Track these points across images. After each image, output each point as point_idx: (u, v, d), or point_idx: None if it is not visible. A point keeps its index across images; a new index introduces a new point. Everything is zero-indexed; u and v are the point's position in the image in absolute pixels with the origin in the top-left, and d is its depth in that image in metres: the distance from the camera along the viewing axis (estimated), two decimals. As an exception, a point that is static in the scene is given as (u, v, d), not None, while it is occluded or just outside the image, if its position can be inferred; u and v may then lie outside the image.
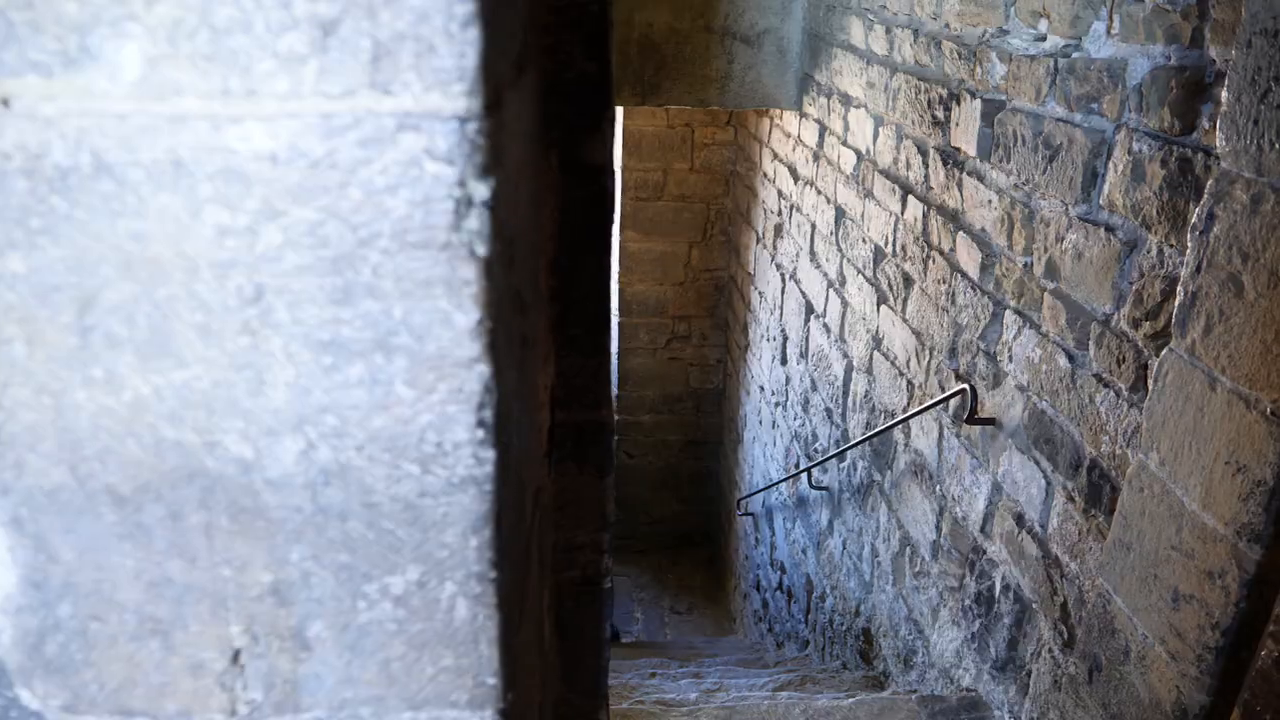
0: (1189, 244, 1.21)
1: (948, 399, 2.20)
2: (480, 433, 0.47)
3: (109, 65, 0.40)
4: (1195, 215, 1.20)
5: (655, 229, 4.86)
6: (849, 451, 2.99)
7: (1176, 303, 1.23)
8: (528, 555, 0.68)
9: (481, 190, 0.43)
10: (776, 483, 3.86)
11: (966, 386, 2.09)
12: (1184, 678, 1.17)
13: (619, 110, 4.67)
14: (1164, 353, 1.26)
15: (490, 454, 0.47)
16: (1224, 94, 1.14)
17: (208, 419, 0.46)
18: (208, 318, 0.44)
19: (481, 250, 0.44)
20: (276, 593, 0.50)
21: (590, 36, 0.80)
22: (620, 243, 4.90)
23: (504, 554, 0.51)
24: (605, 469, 0.95)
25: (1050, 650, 1.79)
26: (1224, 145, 1.14)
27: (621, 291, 5.00)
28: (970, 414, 2.04)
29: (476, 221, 0.43)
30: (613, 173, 0.86)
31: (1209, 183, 1.17)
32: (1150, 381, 1.30)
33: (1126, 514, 1.33)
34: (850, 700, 2.10)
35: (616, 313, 5.02)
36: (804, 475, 3.39)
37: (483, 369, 0.46)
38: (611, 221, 0.87)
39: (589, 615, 1.01)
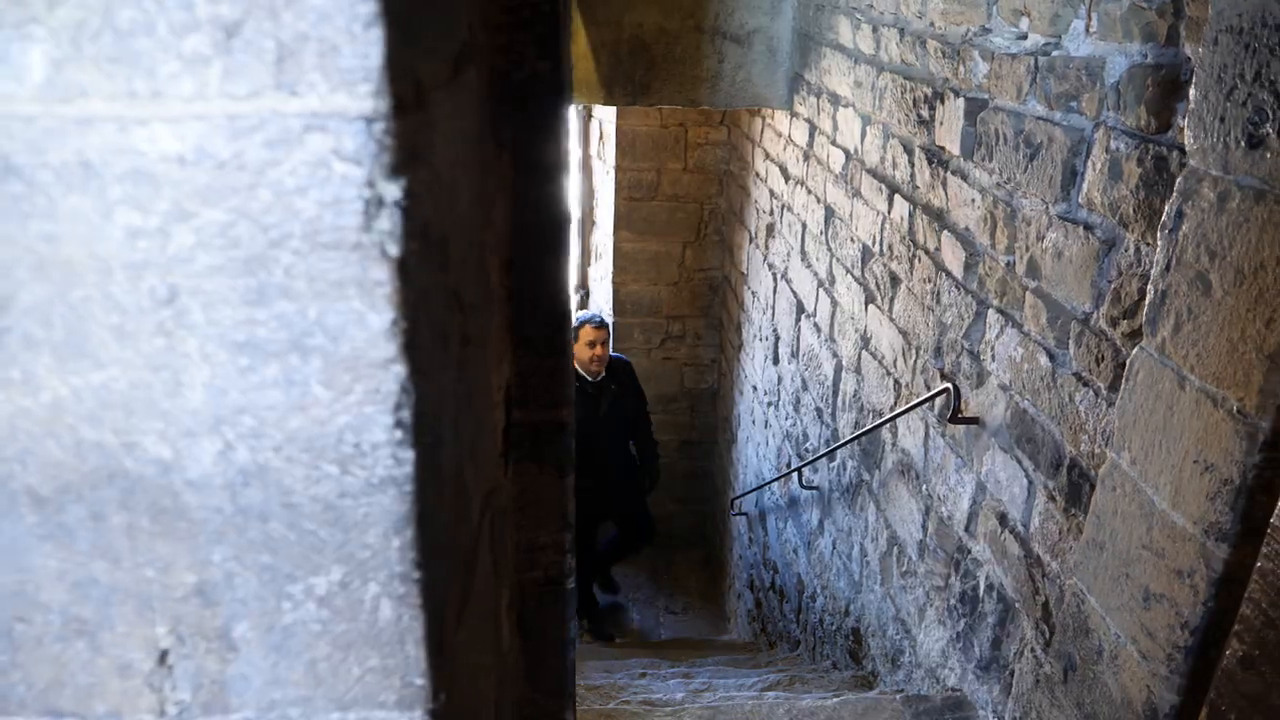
0: (1159, 242, 1.21)
1: (931, 398, 2.20)
2: (398, 433, 0.47)
3: (14, 68, 0.40)
4: (1165, 213, 1.20)
5: (649, 229, 4.86)
6: (839, 451, 2.99)
7: (1147, 301, 1.23)
8: (473, 555, 0.68)
9: (392, 190, 0.43)
10: (768, 482, 3.86)
11: (950, 386, 2.08)
12: (1154, 677, 1.17)
13: (612, 111, 4.67)
14: (1135, 351, 1.26)
15: (409, 454, 0.47)
16: (1191, 91, 1.14)
17: (126, 420, 0.46)
18: (123, 319, 0.44)
19: (394, 250, 0.44)
20: (201, 593, 0.50)
21: (543, 36, 0.80)
22: (614, 243, 4.90)
23: (429, 554, 0.51)
24: (564, 469, 0.95)
25: (1033, 650, 1.79)
26: (1192, 143, 1.14)
27: (615, 291, 5.00)
28: (953, 413, 2.04)
29: (388, 222, 0.43)
30: (568, 172, 0.86)
31: (1178, 180, 1.17)
32: (1123, 380, 1.29)
33: (1099, 513, 1.32)
34: (835, 700, 2.10)
35: (611, 312, 5.01)
36: (795, 475, 3.39)
37: (399, 369, 0.46)
38: (567, 222, 0.87)
39: (552, 615, 1.01)
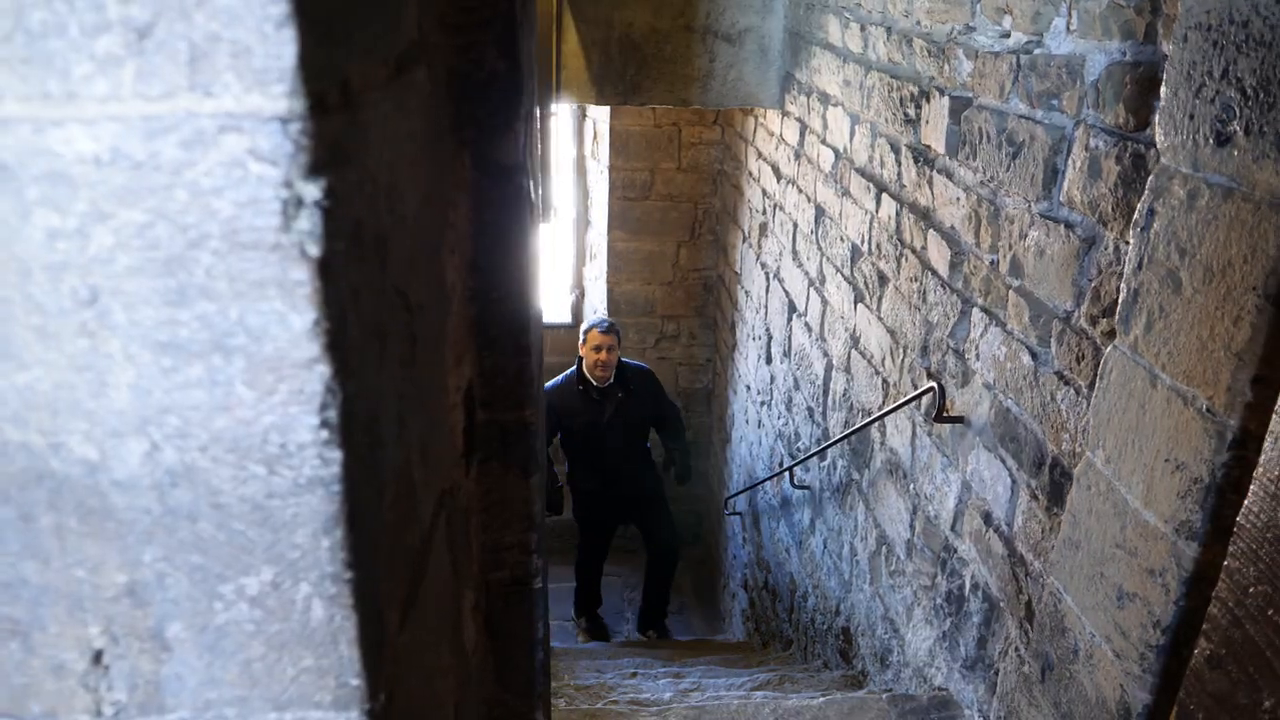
0: (1131, 240, 1.20)
1: (916, 398, 2.19)
2: (325, 434, 0.47)
3: (-73, 70, 0.40)
4: (1137, 211, 1.20)
5: (643, 229, 4.86)
6: (829, 451, 2.99)
7: (1120, 299, 1.23)
8: (423, 555, 0.68)
9: (312, 190, 0.43)
10: (760, 482, 3.86)
11: (935, 385, 2.08)
12: (1128, 676, 1.17)
13: (605, 110, 4.67)
14: (1109, 350, 1.26)
15: (337, 455, 0.47)
16: (1163, 89, 1.14)
17: (52, 421, 0.46)
18: (45, 320, 0.44)
19: (315, 251, 0.44)
20: (132, 593, 0.50)
21: (501, 36, 0.80)
22: (608, 242, 4.90)
23: (362, 555, 0.51)
24: (530, 469, 0.95)
25: (1016, 649, 1.78)
26: (1163, 141, 1.14)
27: (610, 291, 5.00)
28: (938, 413, 2.04)
29: (308, 222, 0.43)
30: (529, 172, 0.86)
31: (1149, 178, 1.17)
32: (1098, 379, 1.29)
33: (1075, 512, 1.32)
34: (820, 700, 2.10)
35: (605, 312, 5.01)
36: (787, 474, 3.38)
37: (323, 369, 0.46)
38: (527, 221, 0.87)
39: (519, 615, 1.01)
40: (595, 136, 4.98)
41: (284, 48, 0.41)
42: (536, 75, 0.99)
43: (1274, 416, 0.91)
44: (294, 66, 0.41)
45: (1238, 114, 0.99)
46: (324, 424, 0.47)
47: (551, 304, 5.48)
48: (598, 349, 3.82)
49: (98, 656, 0.52)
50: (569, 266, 5.41)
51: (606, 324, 3.90)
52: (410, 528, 0.65)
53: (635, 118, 4.66)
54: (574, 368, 3.97)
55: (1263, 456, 0.92)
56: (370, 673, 0.54)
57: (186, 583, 0.50)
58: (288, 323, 0.45)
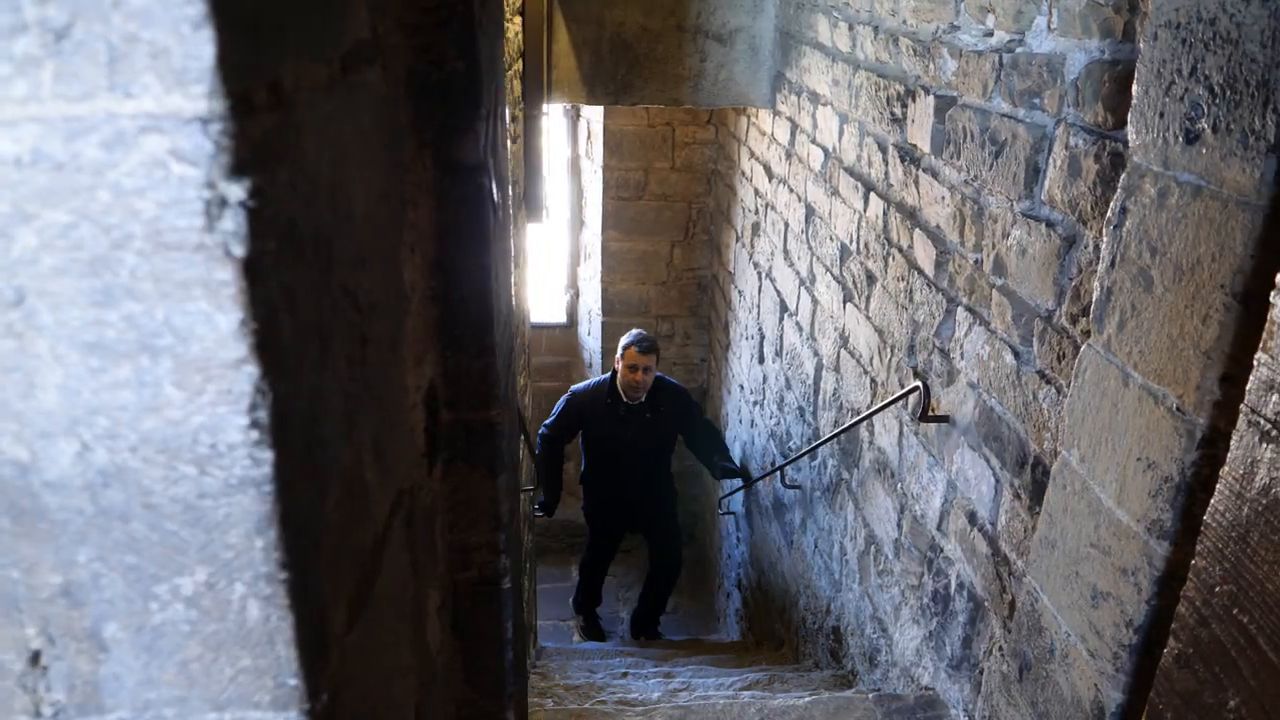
0: (1105, 238, 1.20)
1: (902, 397, 2.19)
2: (255, 434, 0.47)
3: None
4: (1110, 209, 1.19)
5: (637, 228, 4.86)
6: (820, 450, 2.99)
7: (1094, 298, 1.23)
8: (376, 555, 0.68)
9: (236, 191, 0.43)
10: (753, 481, 3.86)
11: (920, 384, 2.08)
12: (1102, 675, 1.16)
13: (599, 110, 4.67)
14: (1083, 348, 1.26)
15: (268, 455, 0.47)
16: (1134, 87, 1.14)
17: (-19, 422, 0.46)
18: (-29, 321, 0.44)
19: (239, 251, 0.44)
20: (68, 594, 0.50)
21: (460, 36, 0.80)
22: (602, 242, 4.90)
23: (298, 555, 0.51)
24: (496, 469, 0.95)
25: (1000, 648, 1.78)
26: (1134, 139, 1.13)
27: (604, 291, 5.00)
28: (923, 412, 2.04)
29: (232, 222, 0.43)
30: (491, 172, 0.86)
31: (1122, 177, 1.17)
32: (1073, 377, 1.29)
33: (1051, 511, 1.32)
34: (807, 699, 2.09)
35: (599, 312, 5.01)
36: (779, 474, 3.38)
37: (252, 370, 0.46)
38: (490, 221, 0.87)
39: (488, 615, 1.01)
40: (589, 136, 4.98)
41: (202, 48, 0.41)
42: (502, 75, 0.99)
43: (1241, 415, 0.91)
44: (212, 67, 0.41)
45: (1206, 112, 0.99)
46: (254, 424, 0.47)
47: (546, 304, 5.48)
48: (634, 369, 3.62)
49: (35, 657, 0.52)
50: (564, 267, 5.41)
51: (647, 343, 3.65)
52: (360, 527, 0.65)
53: (629, 117, 4.66)
54: (608, 375, 3.82)
55: (1229, 455, 0.91)
56: (310, 673, 0.54)
57: (121, 583, 0.50)
58: (214, 323, 0.45)
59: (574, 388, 3.91)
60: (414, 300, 0.81)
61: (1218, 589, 0.91)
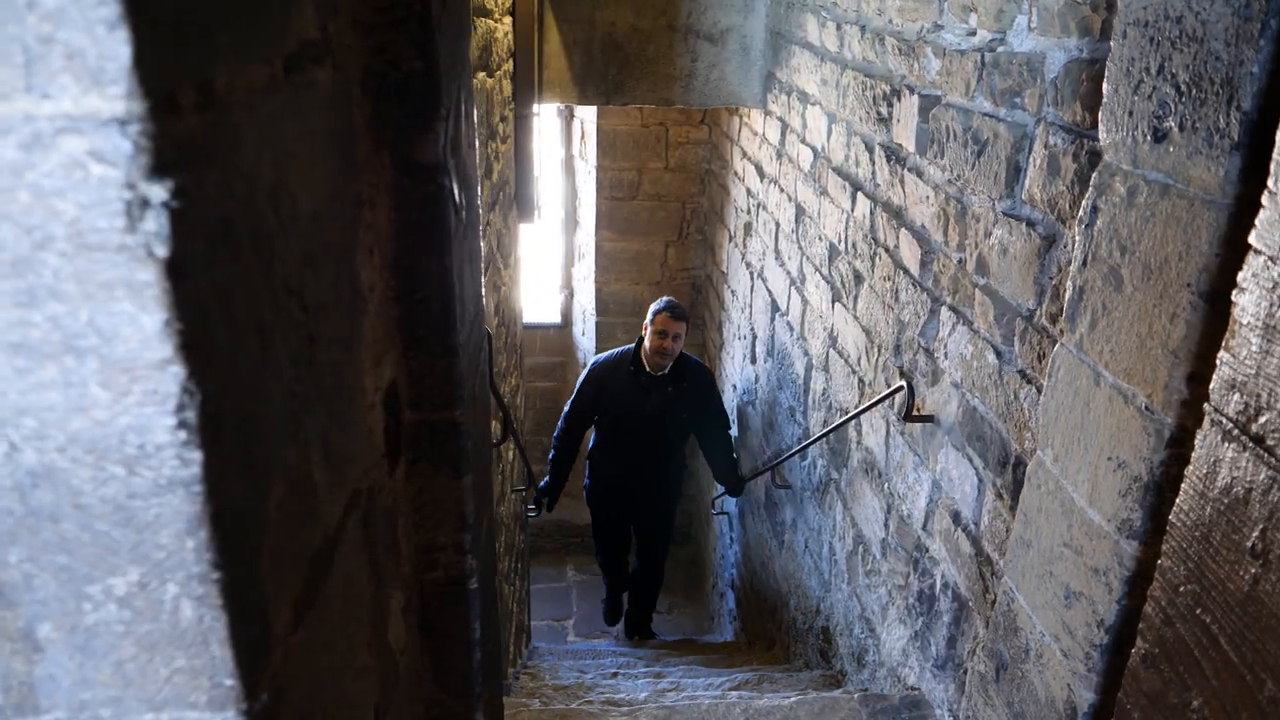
0: (1077, 237, 1.20)
1: (887, 397, 2.19)
2: (183, 434, 0.47)
3: None
4: (1081, 208, 1.19)
5: (631, 229, 4.86)
6: (810, 451, 2.98)
7: (1066, 297, 1.23)
8: (327, 555, 0.68)
9: (158, 192, 0.43)
10: (744, 481, 3.85)
11: (905, 384, 2.08)
12: (1074, 675, 1.16)
13: (593, 110, 4.66)
14: (1056, 348, 1.25)
15: (197, 455, 0.47)
16: (1105, 85, 1.13)
17: (-91, 422, 0.46)
18: (-104, 322, 0.44)
19: (162, 251, 0.44)
20: (1, 594, 0.50)
21: (416, 36, 0.80)
22: (596, 242, 4.90)
23: (232, 555, 0.51)
24: (461, 469, 0.95)
25: (983, 648, 1.78)
26: (1105, 137, 1.13)
27: (598, 291, 4.99)
28: (907, 411, 2.03)
29: (154, 223, 0.43)
30: (450, 173, 0.86)
31: (1093, 175, 1.17)
32: (1046, 377, 1.29)
33: (1027, 511, 1.32)
34: (792, 700, 2.09)
35: (594, 312, 5.01)
36: (770, 474, 3.38)
37: (178, 370, 0.46)
38: (450, 221, 0.87)
39: (455, 616, 1.01)
40: (583, 136, 4.98)
41: (118, 49, 0.41)
42: (467, 74, 0.99)
43: (1206, 414, 0.91)
44: (129, 68, 0.41)
45: (1173, 110, 0.99)
46: (182, 425, 0.47)
47: (541, 305, 5.48)
48: (663, 334, 3.41)
49: (-29, 657, 0.52)
50: (558, 267, 5.41)
51: (680, 310, 3.47)
52: (308, 527, 0.65)
53: (622, 117, 4.66)
54: (632, 345, 3.63)
55: (1193, 454, 0.91)
56: (248, 673, 0.54)
57: (54, 584, 0.50)
58: (138, 324, 0.45)
59: (595, 358, 3.73)
60: (372, 300, 0.81)
61: (1182, 589, 0.91)
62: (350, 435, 0.76)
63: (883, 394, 2.21)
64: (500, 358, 3.11)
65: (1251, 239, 0.84)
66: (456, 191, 0.89)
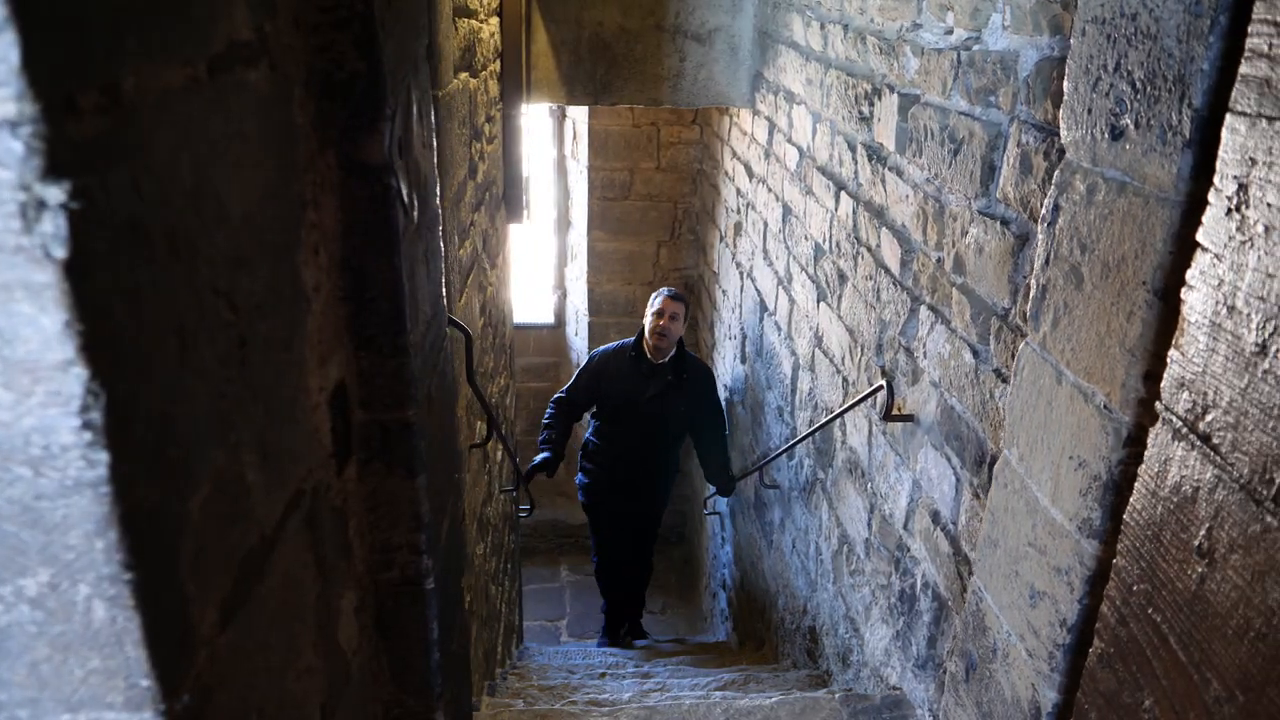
0: (1039, 235, 1.20)
1: (868, 397, 2.19)
2: (88, 435, 0.47)
3: None
4: (1044, 206, 1.19)
5: (623, 229, 4.86)
6: (797, 451, 2.98)
7: (1030, 295, 1.23)
8: (262, 555, 0.68)
9: (55, 193, 0.43)
10: (733, 481, 3.85)
11: (884, 383, 2.07)
12: (1039, 675, 1.16)
13: (584, 110, 4.67)
14: (1021, 347, 1.25)
15: (103, 456, 0.47)
16: (1065, 83, 1.13)
17: None
18: None
19: (60, 253, 0.44)
20: (-88, 596, 0.50)
21: (360, 37, 0.80)
22: (588, 243, 4.90)
23: (147, 555, 0.51)
24: (414, 469, 0.95)
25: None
26: (1066, 135, 1.13)
27: (590, 291, 4.99)
28: (887, 411, 2.03)
29: (51, 225, 0.43)
30: (397, 172, 0.86)
31: (1055, 174, 1.16)
32: (1012, 375, 1.29)
33: (995, 510, 1.32)
34: (773, 700, 2.09)
35: (586, 312, 5.01)
36: (759, 474, 3.38)
37: (80, 371, 0.46)
38: (399, 221, 0.87)
39: (412, 616, 1.01)
40: (575, 137, 4.98)
41: (6, 51, 0.41)
42: (420, 73, 0.99)
43: (1160, 415, 0.91)
44: (18, 70, 0.41)
45: (1129, 107, 0.98)
46: (86, 425, 0.47)
47: (534, 305, 5.48)
48: (659, 314, 3.50)
49: (-114, 659, 0.52)
50: (551, 267, 5.41)
51: (678, 292, 3.58)
52: (240, 528, 0.65)
53: (614, 118, 4.66)
54: (634, 337, 3.68)
55: (1145, 453, 0.91)
56: (166, 673, 0.54)
57: (-36, 585, 0.50)
58: (38, 325, 0.45)
59: (599, 348, 3.80)
60: (318, 300, 0.81)
61: (1135, 588, 0.91)
62: (292, 435, 0.76)
63: (862, 394, 2.21)
64: (488, 358, 3.11)
65: (1199, 236, 0.84)
66: (405, 192, 0.89)
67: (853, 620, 2.48)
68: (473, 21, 2.62)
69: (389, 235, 0.86)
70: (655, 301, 3.55)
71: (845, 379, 2.54)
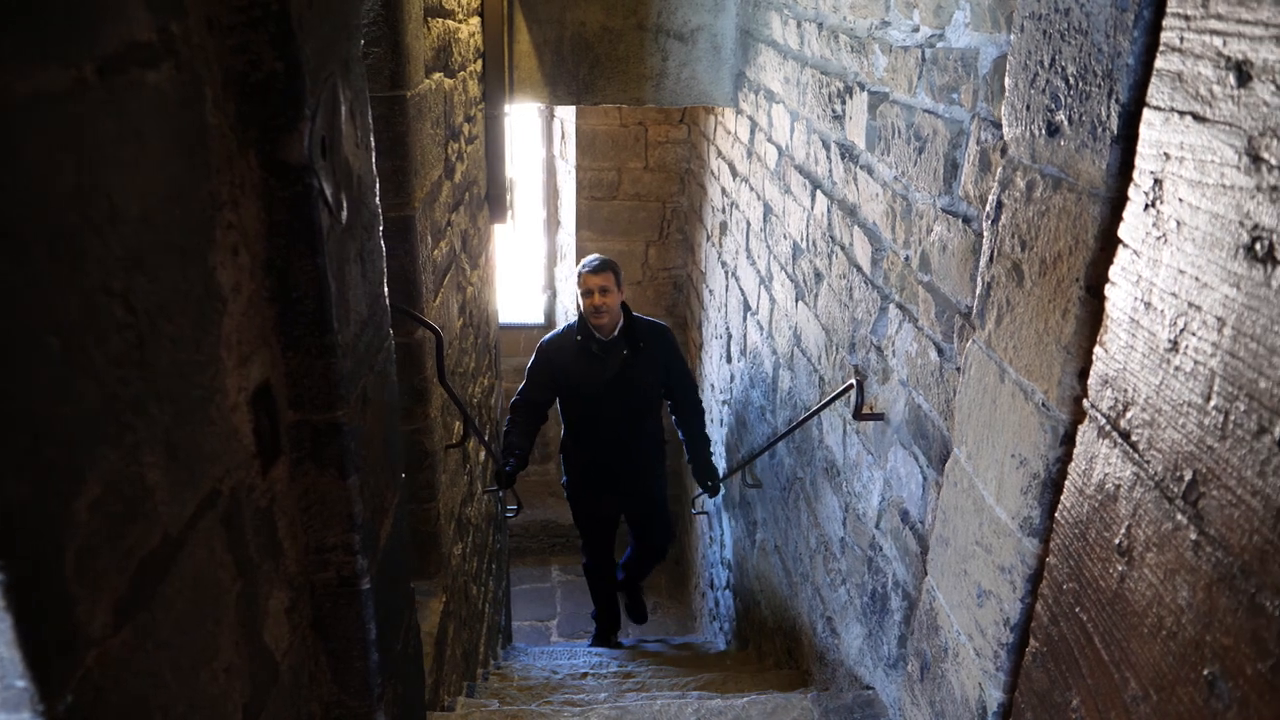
0: (985, 233, 1.19)
1: (838, 397, 2.18)
2: (-52, 435, 0.47)
3: None
4: (988, 204, 1.19)
5: (611, 228, 4.85)
6: (778, 450, 2.98)
7: (976, 293, 1.22)
8: (168, 555, 0.68)
9: (-99, 193, 0.43)
10: (720, 480, 3.85)
11: (855, 382, 2.07)
12: (985, 675, 1.16)
13: (572, 110, 4.67)
14: (968, 344, 1.25)
15: (-36, 457, 0.47)
16: (1006, 79, 1.13)
17: None
18: None
19: (-92, 252, 0.44)
20: None
21: (276, 36, 0.80)
22: (577, 242, 4.90)
23: (21, 556, 0.51)
24: (346, 470, 0.95)
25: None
26: (1008, 132, 1.13)
27: (580, 291, 4.99)
28: (857, 410, 2.03)
29: (-103, 224, 0.44)
30: (319, 173, 0.86)
31: (998, 170, 1.16)
32: (960, 374, 1.28)
33: (945, 509, 1.31)
34: (744, 700, 2.09)
35: (576, 312, 5.01)
36: (742, 474, 3.37)
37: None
38: (322, 222, 0.87)
39: (349, 616, 1.01)
40: (563, 136, 4.98)
41: None
42: (351, 73, 0.99)
43: (1087, 412, 0.90)
44: None
45: (1064, 103, 0.98)
46: (-54, 426, 0.47)
47: (524, 304, 5.48)
48: (588, 292, 3.19)
49: None
50: (540, 267, 5.41)
51: (597, 260, 3.23)
52: (139, 527, 0.65)
53: (602, 117, 4.66)
54: (576, 319, 3.39)
55: (1074, 451, 0.91)
56: (46, 674, 0.54)
57: None
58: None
59: (542, 339, 3.50)
60: (237, 300, 0.81)
61: (1065, 586, 0.90)
62: (205, 435, 0.76)
63: (833, 394, 2.21)
64: (469, 358, 3.11)
65: (1120, 232, 0.83)
66: (330, 192, 0.89)
67: (830, 619, 2.48)
68: (449, 22, 2.62)
69: (311, 236, 0.86)
70: (580, 279, 3.24)
71: (821, 377, 2.54)
